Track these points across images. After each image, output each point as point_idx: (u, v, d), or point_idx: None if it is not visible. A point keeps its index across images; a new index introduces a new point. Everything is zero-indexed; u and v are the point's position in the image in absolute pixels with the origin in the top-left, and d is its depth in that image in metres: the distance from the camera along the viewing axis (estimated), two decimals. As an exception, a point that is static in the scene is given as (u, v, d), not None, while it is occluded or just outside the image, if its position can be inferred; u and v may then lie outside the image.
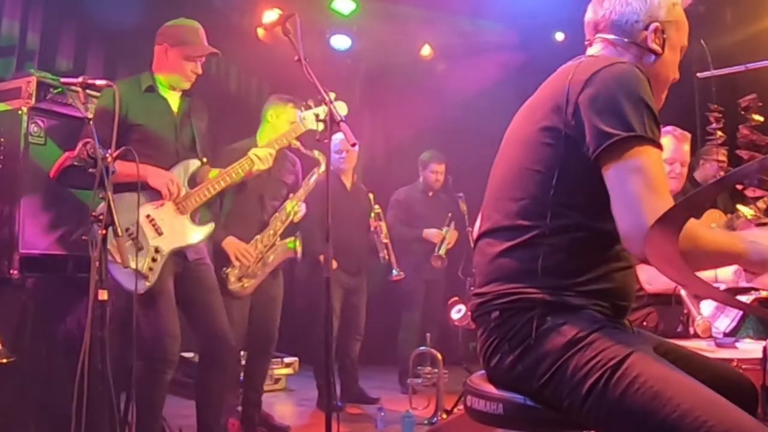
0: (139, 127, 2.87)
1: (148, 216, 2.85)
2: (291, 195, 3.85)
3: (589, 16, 1.69)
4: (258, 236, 3.71)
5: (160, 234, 2.86)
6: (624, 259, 1.52)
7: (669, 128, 3.08)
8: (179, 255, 2.94)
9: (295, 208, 3.79)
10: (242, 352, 3.80)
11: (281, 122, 3.78)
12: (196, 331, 3.09)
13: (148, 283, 2.78)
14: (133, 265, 2.60)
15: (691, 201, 1.18)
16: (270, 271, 3.74)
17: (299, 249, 3.84)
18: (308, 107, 3.24)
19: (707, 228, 1.41)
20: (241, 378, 3.91)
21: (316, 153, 3.74)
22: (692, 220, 1.29)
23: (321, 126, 2.96)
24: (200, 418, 3.15)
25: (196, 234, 2.98)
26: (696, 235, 1.34)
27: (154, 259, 2.82)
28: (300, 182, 3.93)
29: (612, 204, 1.39)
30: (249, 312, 3.75)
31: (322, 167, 3.76)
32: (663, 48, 1.61)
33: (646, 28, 1.60)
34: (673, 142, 3.05)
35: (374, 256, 4.84)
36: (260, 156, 3.15)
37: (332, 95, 2.96)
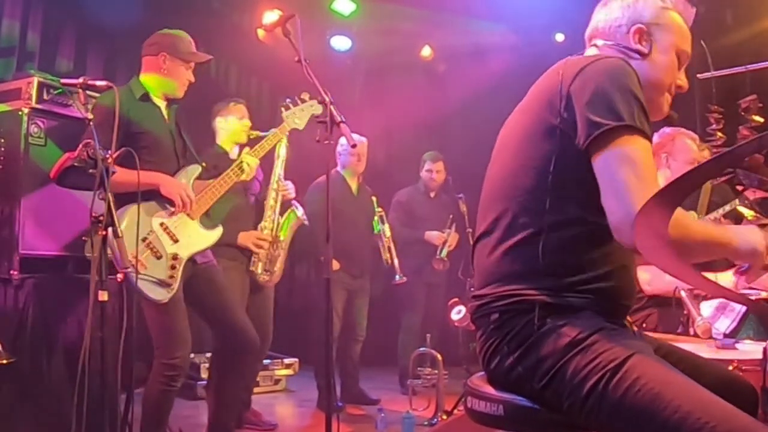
0: (144, 134, 2.88)
1: (162, 224, 2.86)
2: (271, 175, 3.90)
3: (587, 31, 1.74)
4: (261, 224, 3.83)
5: (176, 241, 2.87)
6: (623, 258, 1.52)
7: (679, 130, 3.07)
8: (190, 260, 2.95)
9: (279, 185, 3.82)
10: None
11: (231, 124, 3.86)
12: (215, 331, 3.11)
13: (172, 291, 2.79)
14: (133, 264, 2.60)
15: (677, 185, 1.17)
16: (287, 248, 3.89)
17: (300, 212, 3.91)
18: (288, 107, 3.36)
19: (696, 219, 1.42)
20: None
21: (271, 131, 3.70)
22: (680, 209, 1.30)
23: (304, 123, 3.30)
24: (216, 414, 3.15)
25: (208, 238, 3.01)
26: (685, 224, 1.36)
27: (173, 267, 2.82)
28: (260, 189, 3.97)
29: (602, 194, 1.40)
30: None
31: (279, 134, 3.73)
32: (650, 50, 1.62)
33: (629, 31, 1.63)
34: (691, 144, 3.05)
35: (378, 259, 4.85)
36: (251, 165, 3.24)
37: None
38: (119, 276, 2.34)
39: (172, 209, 2.89)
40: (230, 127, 3.84)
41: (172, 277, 2.80)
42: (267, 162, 3.96)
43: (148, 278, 2.70)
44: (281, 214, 3.89)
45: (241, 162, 3.21)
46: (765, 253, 1.45)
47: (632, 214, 1.31)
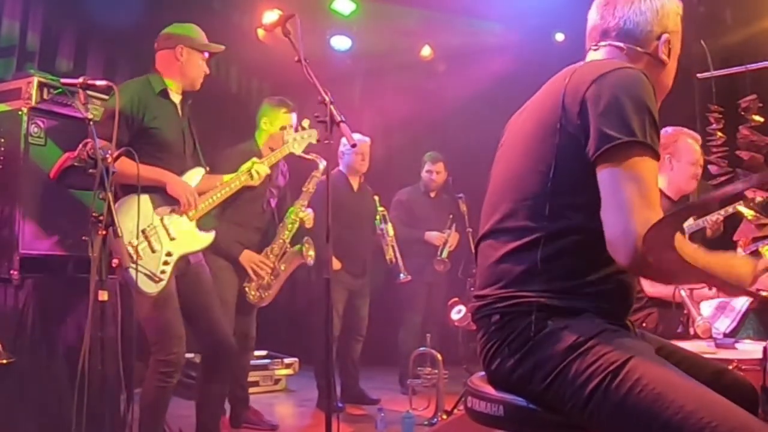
0: (155, 131, 2.88)
1: (162, 220, 2.88)
2: (294, 202, 3.88)
3: (595, 20, 1.66)
4: (268, 248, 3.80)
5: (172, 239, 2.89)
6: None
7: (681, 129, 3.07)
8: (183, 259, 2.96)
9: (300, 214, 3.81)
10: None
11: (275, 128, 3.84)
12: (197, 334, 3.12)
13: (161, 285, 2.81)
14: (133, 265, 2.61)
15: (682, 213, 1.18)
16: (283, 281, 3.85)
17: (311, 254, 3.86)
18: (303, 128, 3.49)
19: (688, 244, 1.41)
20: None
21: (312, 156, 3.73)
22: (678, 235, 1.30)
23: (303, 148, 3.51)
24: (200, 417, 3.18)
25: (201, 241, 3.03)
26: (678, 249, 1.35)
27: (166, 263, 2.84)
28: (285, 182, 3.94)
29: (603, 208, 1.39)
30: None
31: (321, 168, 3.77)
32: (669, 58, 1.62)
33: (658, 38, 1.61)
34: (693, 143, 3.05)
35: (378, 258, 4.84)
36: (260, 173, 3.28)
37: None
38: (114, 261, 2.34)
39: (174, 207, 2.91)
40: (275, 132, 3.80)
41: (163, 272, 2.82)
42: (293, 159, 3.88)
43: (140, 269, 2.71)
44: (292, 243, 3.84)
45: (250, 170, 3.23)
46: (750, 284, 1.46)
47: (631, 231, 1.32)
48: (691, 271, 1.32)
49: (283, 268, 3.83)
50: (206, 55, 3.08)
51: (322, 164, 3.74)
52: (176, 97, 3.04)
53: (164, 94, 2.98)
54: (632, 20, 1.61)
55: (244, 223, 3.75)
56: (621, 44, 1.62)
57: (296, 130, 3.63)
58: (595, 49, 1.66)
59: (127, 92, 2.78)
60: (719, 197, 1.25)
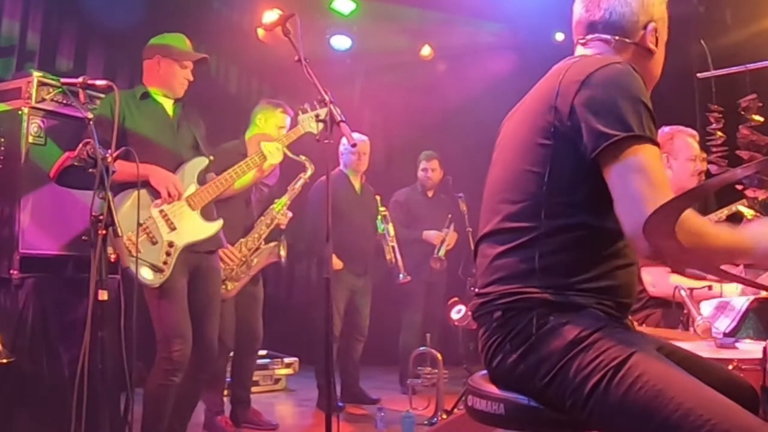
0: (135, 134, 2.90)
1: (161, 211, 2.90)
2: (275, 200, 3.87)
3: (580, 14, 1.67)
4: (243, 239, 3.78)
5: (173, 229, 2.90)
6: (626, 256, 1.52)
7: (677, 128, 3.07)
8: (191, 250, 2.96)
9: (280, 213, 3.81)
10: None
11: (269, 126, 3.85)
12: None
13: (163, 277, 2.82)
14: (133, 265, 2.61)
15: (688, 197, 1.18)
16: (252, 275, 3.80)
17: (284, 253, 3.86)
18: (305, 111, 3.31)
19: (712, 223, 1.41)
20: (228, 377, 4.02)
21: (302, 158, 3.68)
22: (697, 215, 1.30)
23: (320, 127, 3.13)
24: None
25: (207, 229, 3.03)
26: (702, 231, 1.35)
27: (168, 254, 2.86)
28: (276, 181, 3.94)
29: (615, 205, 1.39)
30: (234, 313, 3.81)
31: (309, 172, 3.76)
32: (656, 46, 1.62)
33: (644, 27, 1.61)
34: (691, 140, 3.05)
35: (378, 258, 4.84)
36: (271, 150, 3.24)
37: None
38: (113, 256, 2.34)
39: (168, 198, 2.90)
40: (268, 131, 3.80)
41: (165, 263, 2.84)
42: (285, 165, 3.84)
43: (141, 261, 2.72)
44: (267, 240, 3.83)
45: (261, 152, 3.20)
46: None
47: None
48: (717, 249, 1.34)
49: (255, 261, 3.79)
50: (189, 63, 3.07)
51: (311, 169, 3.73)
52: (163, 99, 3.08)
53: (144, 96, 3.03)
54: (618, 11, 1.61)
55: (229, 220, 3.70)
56: (608, 36, 1.62)
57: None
58: (583, 44, 1.66)
59: (108, 101, 2.85)
60: (719, 183, 1.24)
